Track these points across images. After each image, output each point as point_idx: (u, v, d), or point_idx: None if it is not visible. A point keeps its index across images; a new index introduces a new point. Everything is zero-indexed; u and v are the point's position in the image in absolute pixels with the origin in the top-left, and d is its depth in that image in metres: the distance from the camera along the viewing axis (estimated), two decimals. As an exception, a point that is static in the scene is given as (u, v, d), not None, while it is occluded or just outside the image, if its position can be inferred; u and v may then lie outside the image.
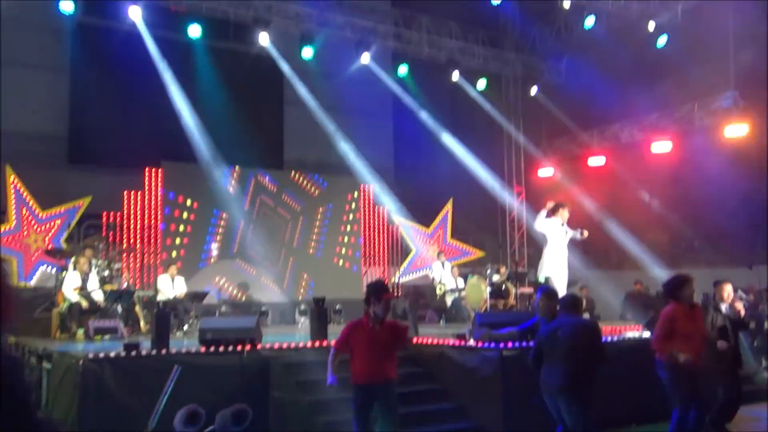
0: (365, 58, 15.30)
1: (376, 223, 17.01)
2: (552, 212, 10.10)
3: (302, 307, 13.94)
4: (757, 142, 13.94)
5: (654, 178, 15.77)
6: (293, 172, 16.03)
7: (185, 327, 11.74)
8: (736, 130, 14.32)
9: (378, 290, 5.58)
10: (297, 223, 15.77)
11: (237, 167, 15.13)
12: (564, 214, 9.95)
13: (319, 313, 9.55)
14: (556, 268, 9.89)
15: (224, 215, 14.88)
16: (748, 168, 14.19)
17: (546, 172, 18.42)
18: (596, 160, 17.12)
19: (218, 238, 14.88)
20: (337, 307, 14.30)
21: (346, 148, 15.82)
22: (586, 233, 9.84)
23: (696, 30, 14.12)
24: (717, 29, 13.94)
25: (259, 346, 8.39)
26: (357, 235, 16.50)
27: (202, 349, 8.14)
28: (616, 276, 15.29)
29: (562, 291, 9.64)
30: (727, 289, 7.51)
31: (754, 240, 14.76)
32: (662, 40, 15.01)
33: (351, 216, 16.49)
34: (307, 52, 14.59)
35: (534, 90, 17.38)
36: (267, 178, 15.58)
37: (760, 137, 13.96)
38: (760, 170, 13.98)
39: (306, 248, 15.82)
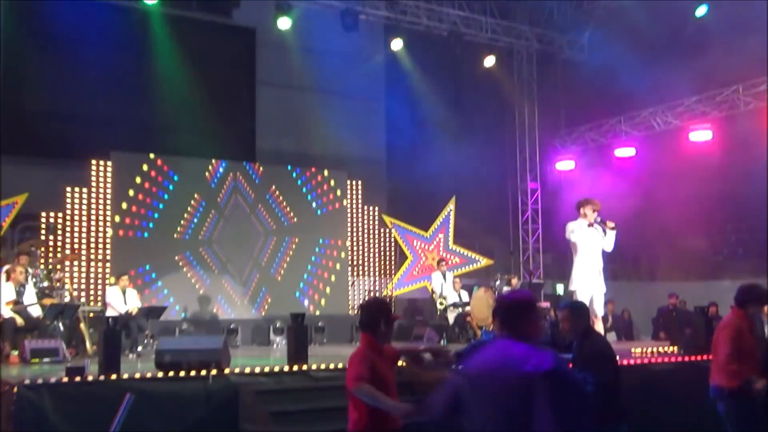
0: (353, 30, 15.30)
1: (365, 226, 17.03)
2: (577, 210, 9.96)
3: (278, 324, 13.95)
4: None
5: (692, 172, 15.85)
6: (269, 166, 15.99)
7: (139, 348, 11.72)
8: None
9: (388, 309, 5.41)
10: (273, 226, 15.77)
11: (212, 160, 15.12)
12: (589, 212, 9.82)
13: (298, 331, 9.56)
14: (584, 279, 9.78)
15: (185, 216, 14.86)
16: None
17: (565, 164, 18.49)
18: (624, 151, 17.20)
19: (177, 242, 14.85)
20: (320, 324, 14.33)
21: (329, 137, 15.84)
22: (611, 224, 9.72)
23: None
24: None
25: (227, 371, 8.39)
26: (343, 240, 16.51)
27: (160, 374, 8.13)
28: (647, 288, 15.41)
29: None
30: None
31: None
32: (701, 10, 15.10)
33: (335, 217, 16.49)
34: (284, 23, 14.60)
35: (550, 68, 17.40)
36: (237, 171, 15.55)
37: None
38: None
39: (285, 254, 15.81)
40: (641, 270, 16.35)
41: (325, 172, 16.48)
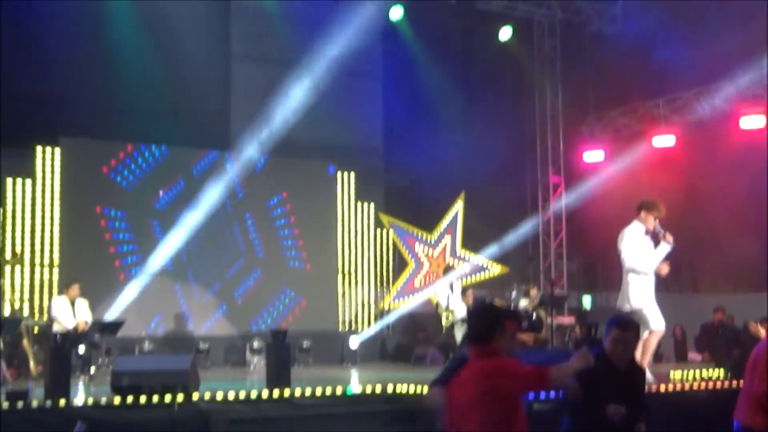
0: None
1: (359, 226, 17.08)
2: (638, 213, 9.99)
3: (256, 344, 14.01)
4: None
5: (743, 165, 15.92)
6: (242, 155, 16.02)
7: (92, 369, 11.76)
8: None
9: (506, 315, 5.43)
10: (248, 226, 15.82)
11: (161, 146, 15.16)
12: (651, 218, 9.88)
13: (279, 350, 9.63)
14: (646, 296, 9.82)
15: (149, 213, 14.89)
16: None
17: (594, 155, 18.54)
18: (664, 140, 17.25)
19: (139, 245, 14.89)
20: (305, 344, 14.39)
21: (315, 121, 15.86)
22: (670, 238, 9.79)
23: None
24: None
25: (195, 396, 8.44)
26: (333, 242, 16.56)
27: (116, 400, 8.17)
28: (688, 301, 15.48)
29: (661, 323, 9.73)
30: None
31: None
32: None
33: (323, 216, 16.55)
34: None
35: (578, 43, 17.39)
36: (206, 160, 15.61)
37: None
38: None
39: (260, 261, 15.86)
40: (682, 281, 16.42)
41: (311, 163, 16.52)
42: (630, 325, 5.72)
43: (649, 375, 8.99)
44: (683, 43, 15.49)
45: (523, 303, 14.33)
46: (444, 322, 14.94)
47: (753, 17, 15.06)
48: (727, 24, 15.58)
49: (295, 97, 15.66)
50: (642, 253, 9.83)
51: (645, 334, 9.62)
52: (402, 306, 17.17)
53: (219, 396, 8.63)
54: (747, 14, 15.28)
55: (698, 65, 16.00)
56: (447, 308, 14.97)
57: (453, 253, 17.84)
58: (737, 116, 16.20)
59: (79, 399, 8.24)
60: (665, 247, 9.76)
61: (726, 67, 16.05)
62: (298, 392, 9.20)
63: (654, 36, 15.64)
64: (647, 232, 9.83)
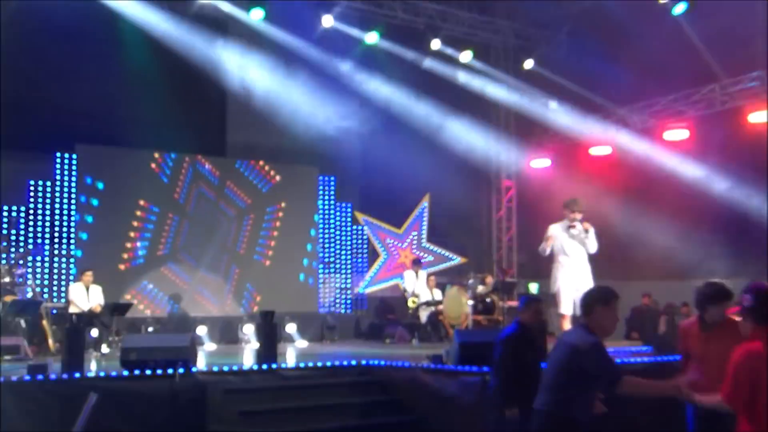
0: (327, 21, 15.28)
1: (338, 223, 17.05)
2: (563, 211, 10.04)
3: (247, 323, 13.95)
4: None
5: (664, 171, 16.04)
6: (240, 161, 15.97)
7: (104, 346, 11.67)
8: (763, 116, 14.64)
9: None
10: (243, 222, 15.75)
11: (168, 153, 15.07)
12: (571, 213, 9.89)
13: (268, 329, 9.59)
14: (567, 282, 9.84)
15: (152, 209, 14.81)
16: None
17: (540, 162, 18.63)
18: (600, 150, 17.36)
19: (144, 237, 14.78)
20: (290, 324, 14.33)
21: (301, 132, 15.80)
22: (587, 225, 9.78)
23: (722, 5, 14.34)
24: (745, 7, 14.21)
25: (194, 369, 8.39)
26: (314, 236, 16.53)
27: (125, 373, 8.12)
28: (620, 287, 15.56)
29: (568, 308, 9.77)
30: None
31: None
32: (680, 8, 15.20)
33: (306, 213, 16.50)
34: (257, 14, 14.56)
35: (529, 64, 17.49)
36: (207, 165, 15.54)
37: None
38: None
39: (252, 251, 15.80)
40: (615, 270, 16.53)
41: (297, 168, 16.49)
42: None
43: None
44: (619, 67, 15.59)
45: (480, 289, 14.36)
46: (410, 305, 14.96)
47: (681, 48, 15.15)
48: (655, 53, 15.66)
49: (282, 111, 15.60)
50: (566, 243, 9.85)
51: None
52: (374, 291, 17.20)
53: (215, 369, 8.59)
54: (674, 46, 15.35)
55: (631, 85, 16.11)
56: (413, 293, 14.99)
57: (419, 246, 17.87)
58: (662, 130, 16.35)
59: (92, 372, 8.15)
60: (592, 233, 9.79)
61: (651, 90, 16.21)
62: (284, 365, 9.19)
63: (594, 61, 15.71)
64: (570, 226, 9.85)
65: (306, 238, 16.40)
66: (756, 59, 14.73)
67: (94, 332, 11.60)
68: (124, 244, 14.54)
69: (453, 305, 14.37)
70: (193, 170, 15.38)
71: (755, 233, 15.26)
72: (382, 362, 9.61)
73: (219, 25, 15.30)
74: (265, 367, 9.02)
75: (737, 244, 15.75)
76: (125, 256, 14.51)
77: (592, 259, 9.90)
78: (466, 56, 17.33)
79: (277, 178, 16.24)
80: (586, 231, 9.75)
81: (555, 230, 9.86)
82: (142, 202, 14.76)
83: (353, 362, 9.75)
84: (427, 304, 14.81)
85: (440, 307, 14.70)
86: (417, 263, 15.59)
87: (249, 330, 13.68)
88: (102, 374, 8.13)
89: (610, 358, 4.95)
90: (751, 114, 14.86)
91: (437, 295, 15.04)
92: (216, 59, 14.97)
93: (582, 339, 4.95)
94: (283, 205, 16.19)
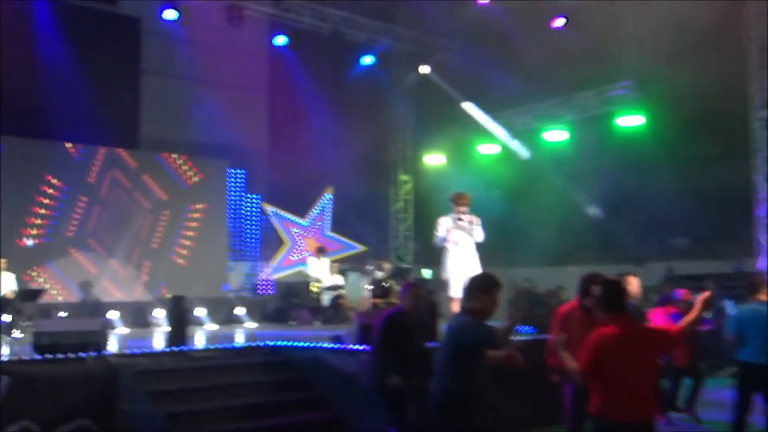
0: (238, 25, 15.05)
1: (247, 213, 16.88)
2: (450, 204, 10.20)
3: (158, 308, 13.65)
4: (653, 137, 15.01)
5: (549, 170, 16.58)
6: (154, 153, 15.55)
7: (16, 331, 11.23)
8: (630, 120, 15.33)
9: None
10: (158, 217, 15.35)
11: (84, 145, 14.57)
12: (458, 206, 10.05)
13: (178, 313, 9.43)
14: (452, 268, 10.01)
15: (64, 188, 14.23)
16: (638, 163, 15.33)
17: (435, 158, 18.93)
18: (489, 148, 17.78)
19: (54, 216, 14.18)
20: (199, 308, 14.10)
21: (213, 127, 15.56)
22: (472, 218, 9.97)
23: (596, 21, 14.87)
24: (616, 23, 14.81)
25: (106, 353, 8.20)
26: (223, 225, 16.29)
27: (38, 357, 7.85)
28: (504, 273, 16.00)
29: (457, 292, 9.94)
30: (634, 283, 7.74)
31: (645, 237, 15.93)
32: (560, 22, 15.63)
33: (217, 205, 16.24)
34: (170, 14, 14.22)
35: (425, 69, 17.65)
36: (123, 156, 15.07)
37: (655, 133, 15.05)
38: (654, 167, 15.13)
39: (167, 248, 15.43)
40: (500, 257, 17.00)
41: (209, 161, 16.22)
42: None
43: None
44: (506, 74, 16.01)
45: (378, 274, 14.48)
46: (313, 290, 14.97)
47: (560, 57, 15.60)
48: (538, 61, 16.10)
49: (195, 106, 15.34)
50: (455, 234, 10.02)
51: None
52: (280, 277, 17.13)
53: (126, 352, 8.41)
54: (554, 55, 15.79)
55: (515, 90, 16.52)
56: (316, 279, 15.00)
57: (323, 234, 17.88)
58: (543, 131, 16.90)
59: (5, 357, 7.84)
60: (478, 225, 10.00)
61: (536, 92, 16.69)
62: (193, 348, 9.06)
63: (484, 68, 16.09)
64: (458, 218, 10.02)
65: (217, 228, 16.15)
66: (624, 69, 15.44)
67: (6, 318, 11.13)
68: (26, 219, 13.83)
69: (353, 290, 14.50)
70: (110, 157, 14.88)
71: (621, 225, 16.04)
72: (287, 343, 9.60)
73: (134, 23, 14.90)
74: (175, 349, 8.88)
75: (605, 234, 16.51)
76: (31, 231, 13.86)
77: (480, 247, 10.11)
78: (367, 61, 17.41)
79: (192, 174, 15.87)
80: (471, 223, 9.96)
81: (445, 222, 10.03)
82: (51, 179, 14.14)
83: (260, 344, 9.70)
84: (329, 288, 14.86)
85: (341, 291, 14.79)
86: (320, 251, 15.59)
87: (160, 314, 13.39)
88: (14, 358, 7.82)
89: (485, 330, 5.16)
90: (619, 118, 15.55)
91: (339, 280, 15.11)
92: (132, 56, 14.63)
93: (459, 320, 5.26)
94: (198, 201, 15.85)
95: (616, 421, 4.64)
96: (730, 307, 11.10)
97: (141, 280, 14.99)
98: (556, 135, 16.86)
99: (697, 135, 15.23)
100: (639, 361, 4.68)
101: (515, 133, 17.34)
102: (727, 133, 14.97)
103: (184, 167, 15.81)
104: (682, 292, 10.00)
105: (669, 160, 15.13)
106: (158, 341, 10.63)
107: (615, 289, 4.93)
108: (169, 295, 11.71)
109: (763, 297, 7.30)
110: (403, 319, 6.85)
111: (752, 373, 7.13)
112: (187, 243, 15.69)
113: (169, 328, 9.85)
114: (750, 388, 7.18)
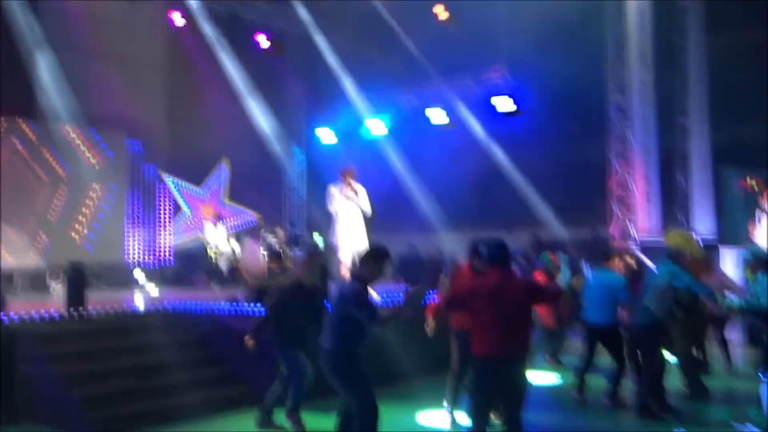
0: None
1: (144, 182, 16.30)
2: (340, 176, 10.21)
3: (56, 272, 13.03)
4: (523, 117, 15.52)
5: (434, 148, 16.89)
6: (53, 124, 14.68)
7: None
8: (503, 103, 15.71)
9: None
10: (56, 187, 14.59)
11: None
12: (346, 178, 10.07)
13: (76, 278, 9.06)
14: (344, 237, 10.04)
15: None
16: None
17: (325, 133, 18.86)
18: (375, 125, 17.84)
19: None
20: (98, 273, 13.55)
21: (110, 100, 14.87)
22: (357, 188, 10.03)
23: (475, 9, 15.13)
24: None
25: (3, 318, 7.81)
26: (122, 194, 15.69)
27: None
28: (388, 239, 16.24)
29: (346, 257, 10.01)
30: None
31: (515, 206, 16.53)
32: (444, 15, 15.67)
33: (114, 173, 15.60)
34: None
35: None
36: (22, 126, 14.16)
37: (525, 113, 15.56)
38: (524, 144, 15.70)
39: (64, 210, 14.70)
40: (387, 225, 17.27)
41: (106, 133, 15.50)
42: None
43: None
44: (391, 56, 16.12)
45: (272, 240, 14.40)
46: (211, 254, 14.74)
47: (445, 39, 15.78)
48: (423, 43, 16.24)
49: (92, 80, 14.60)
50: (343, 204, 10.09)
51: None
52: (179, 242, 16.74)
53: (24, 317, 8.03)
54: (439, 41, 15.94)
55: (400, 73, 16.66)
56: (215, 245, 14.76)
57: (219, 202, 17.58)
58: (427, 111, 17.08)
59: None
60: (363, 196, 10.08)
61: (420, 75, 16.86)
62: (92, 311, 8.76)
63: (371, 50, 16.13)
64: (344, 188, 10.06)
65: (115, 197, 15.52)
66: (499, 54, 15.85)
67: None
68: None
69: (250, 256, 14.35)
70: (8, 127, 13.96)
71: (495, 194, 16.57)
72: (185, 305, 9.44)
73: None
74: (74, 313, 8.54)
75: (481, 202, 17.03)
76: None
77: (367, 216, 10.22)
78: (263, 40, 17.08)
79: (90, 146, 15.11)
80: (356, 193, 10.04)
81: (334, 191, 10.07)
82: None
83: (159, 306, 9.48)
84: (226, 254, 14.65)
85: (238, 256, 14.61)
86: (217, 218, 15.31)
87: (57, 280, 12.79)
88: None
89: (369, 302, 5.40)
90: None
91: (235, 246, 14.91)
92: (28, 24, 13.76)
93: (348, 289, 5.47)
94: (96, 173, 15.14)
95: (491, 355, 5.02)
96: (586, 271, 11.73)
97: (38, 248, 14.24)
98: (438, 115, 17.08)
99: (561, 115, 15.90)
100: (511, 308, 5.05)
101: (400, 112, 17.52)
102: (587, 115, 15.68)
103: (82, 139, 15.07)
104: (552, 258, 10.68)
105: (537, 137, 15.74)
106: (57, 306, 10.19)
107: (499, 248, 5.27)
108: (66, 262, 11.19)
109: (612, 264, 7.92)
110: (302, 287, 7.19)
111: (595, 332, 7.96)
112: (86, 211, 15.03)
113: (67, 294, 9.44)
114: (593, 344, 8.05)
